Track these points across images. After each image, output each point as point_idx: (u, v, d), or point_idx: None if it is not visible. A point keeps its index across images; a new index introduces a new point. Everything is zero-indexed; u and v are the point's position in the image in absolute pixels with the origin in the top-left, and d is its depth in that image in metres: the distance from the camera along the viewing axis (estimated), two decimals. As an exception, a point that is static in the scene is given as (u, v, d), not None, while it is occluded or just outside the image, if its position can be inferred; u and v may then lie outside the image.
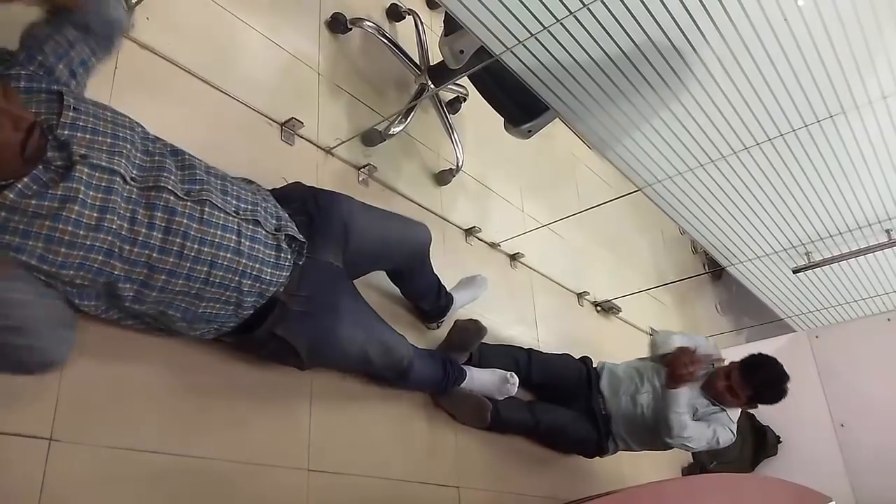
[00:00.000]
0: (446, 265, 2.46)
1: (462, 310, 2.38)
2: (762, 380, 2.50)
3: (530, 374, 2.48)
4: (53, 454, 1.29)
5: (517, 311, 2.87)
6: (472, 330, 2.17)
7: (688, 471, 3.68)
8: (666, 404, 2.45)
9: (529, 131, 2.29)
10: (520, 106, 2.27)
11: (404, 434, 2.07)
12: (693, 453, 3.78)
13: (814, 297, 3.50)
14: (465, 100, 2.84)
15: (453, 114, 2.80)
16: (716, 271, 4.24)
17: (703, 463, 3.72)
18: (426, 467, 2.11)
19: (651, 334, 3.87)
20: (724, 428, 2.55)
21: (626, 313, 3.60)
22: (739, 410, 2.65)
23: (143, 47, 1.75)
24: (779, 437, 3.84)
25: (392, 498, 1.94)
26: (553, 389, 2.60)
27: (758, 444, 3.78)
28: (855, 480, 3.66)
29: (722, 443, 2.56)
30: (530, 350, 2.56)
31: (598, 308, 3.50)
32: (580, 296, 3.38)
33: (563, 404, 2.59)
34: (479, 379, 2.22)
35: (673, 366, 2.45)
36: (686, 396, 2.45)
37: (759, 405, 2.61)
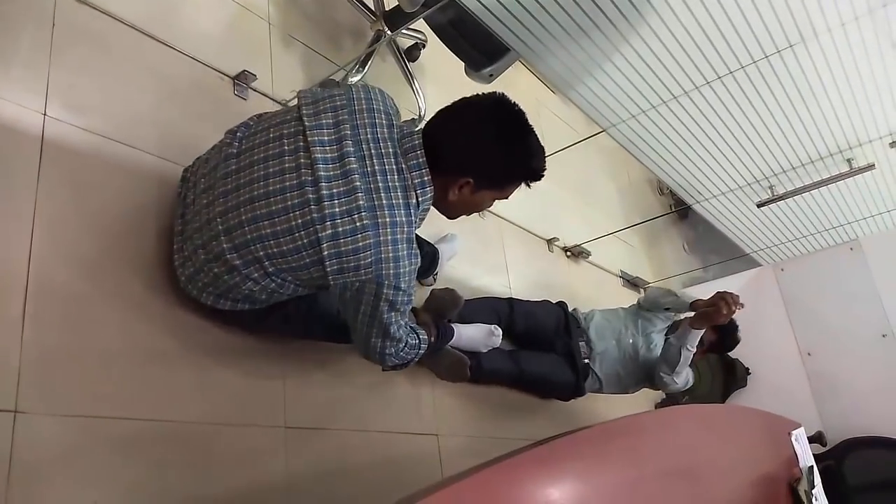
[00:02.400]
0: (414, 216, 2.44)
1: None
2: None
3: (513, 324, 2.52)
4: (20, 426, 1.26)
5: (488, 260, 2.87)
6: (448, 300, 2.16)
7: (660, 406, 3.77)
8: (683, 342, 2.53)
9: (491, 75, 2.26)
10: (480, 49, 2.23)
11: (381, 386, 2.07)
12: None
13: (778, 230, 3.56)
14: (423, 46, 2.76)
15: (412, 61, 2.73)
16: (682, 210, 4.28)
17: (676, 398, 3.82)
18: (405, 418, 2.12)
19: (620, 276, 3.93)
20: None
21: (596, 257, 3.63)
22: None
23: (80, 2, 1.65)
24: (748, 369, 3.95)
25: (371, 450, 1.95)
26: (534, 337, 2.64)
27: (728, 377, 3.89)
28: (822, 406, 3.79)
29: (690, 384, 2.72)
30: (511, 300, 2.58)
31: (568, 253, 3.52)
32: (550, 242, 3.39)
33: (543, 349, 2.65)
34: (466, 335, 2.24)
35: (716, 307, 2.47)
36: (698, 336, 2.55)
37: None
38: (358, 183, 1.30)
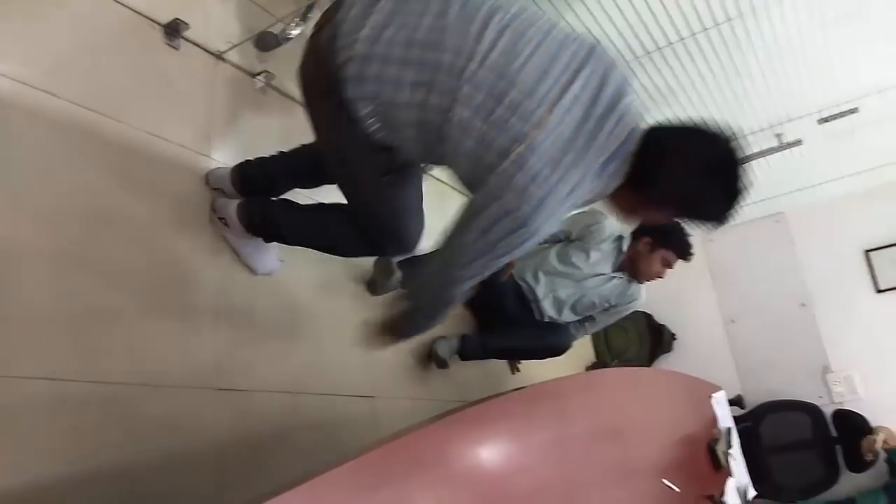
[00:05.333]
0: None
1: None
2: (679, 238, 2.67)
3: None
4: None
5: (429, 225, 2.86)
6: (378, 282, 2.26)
7: (591, 369, 3.89)
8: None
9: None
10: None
11: (316, 348, 2.06)
12: (596, 353, 4.01)
13: (709, 202, 3.66)
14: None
15: (355, 18, 2.66)
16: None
17: (605, 361, 3.95)
18: (341, 379, 2.11)
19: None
20: (641, 296, 2.80)
21: (535, 223, 3.66)
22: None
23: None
24: (674, 335, 4.11)
25: (308, 412, 1.95)
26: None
27: (654, 342, 4.03)
28: (742, 371, 3.98)
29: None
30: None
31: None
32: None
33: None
34: None
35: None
36: None
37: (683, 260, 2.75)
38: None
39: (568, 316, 2.76)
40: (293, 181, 1.84)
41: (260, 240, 1.83)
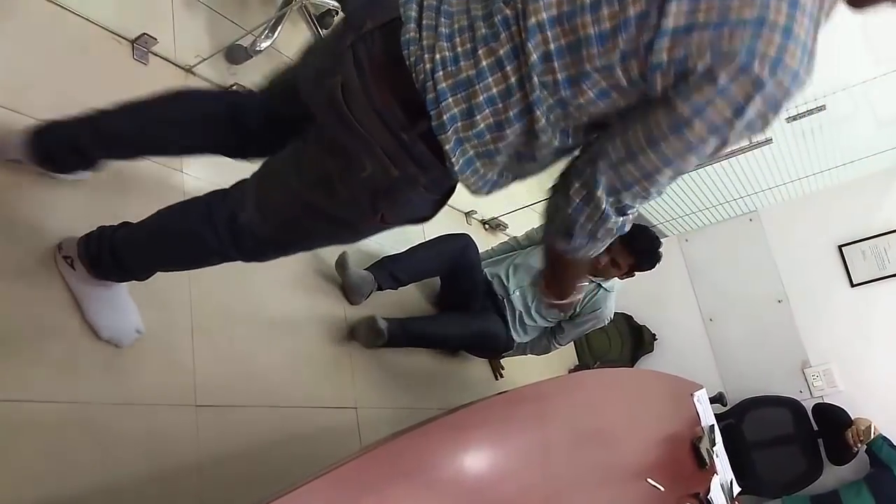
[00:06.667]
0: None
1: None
2: (646, 256, 2.63)
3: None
4: None
5: (405, 232, 2.85)
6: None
7: (574, 372, 3.91)
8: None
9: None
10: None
11: (297, 360, 2.04)
12: (578, 356, 4.02)
13: (682, 202, 3.71)
14: (337, 13, 2.69)
15: (325, 29, 2.66)
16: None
17: (588, 364, 3.96)
18: (322, 392, 2.10)
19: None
20: (607, 307, 2.72)
21: (513, 230, 3.68)
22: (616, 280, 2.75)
23: (-47, -48, 1.51)
24: (654, 335, 4.14)
25: (289, 426, 1.93)
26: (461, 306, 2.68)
27: (635, 343, 4.06)
28: (723, 369, 4.02)
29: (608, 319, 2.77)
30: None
31: (486, 226, 3.55)
32: (468, 214, 3.41)
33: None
34: None
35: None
36: None
37: (638, 272, 2.70)
38: None
39: (538, 319, 2.72)
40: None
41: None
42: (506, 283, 2.71)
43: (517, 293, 2.70)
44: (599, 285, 2.69)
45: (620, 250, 2.57)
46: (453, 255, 2.57)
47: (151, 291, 1.66)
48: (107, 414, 1.47)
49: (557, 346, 2.86)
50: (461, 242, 2.60)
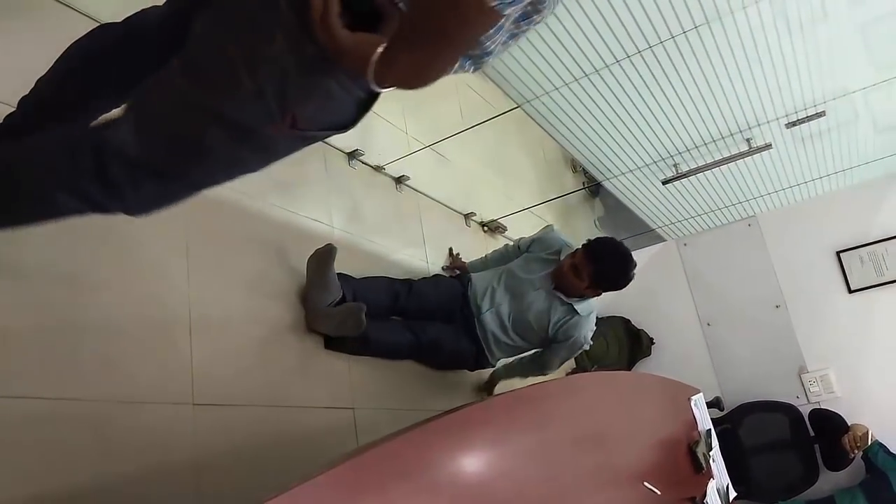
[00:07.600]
0: (330, 190, 2.40)
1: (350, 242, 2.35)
2: (607, 267, 2.47)
3: (407, 309, 2.40)
4: None
5: (405, 234, 2.86)
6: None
7: (572, 374, 3.91)
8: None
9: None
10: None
11: (295, 360, 2.04)
12: (576, 360, 4.02)
13: (682, 206, 3.72)
14: (339, 16, 2.70)
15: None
16: (593, 187, 4.41)
17: (586, 367, 3.97)
18: (320, 391, 2.10)
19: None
20: (580, 334, 2.56)
21: (512, 232, 3.68)
22: (592, 300, 2.60)
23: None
24: (652, 339, 4.14)
25: (285, 425, 1.92)
26: (432, 314, 2.52)
27: (633, 347, 4.06)
28: (720, 373, 4.03)
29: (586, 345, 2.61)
30: (410, 281, 2.47)
31: (485, 228, 3.56)
32: (467, 217, 3.42)
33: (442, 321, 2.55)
34: None
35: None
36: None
37: (606, 292, 2.56)
38: None
39: (514, 338, 2.59)
40: None
41: None
42: (479, 302, 2.57)
43: (488, 314, 2.56)
44: (573, 309, 2.53)
45: (581, 261, 2.46)
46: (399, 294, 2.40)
47: (150, 290, 1.66)
48: (104, 411, 1.47)
49: (549, 371, 2.71)
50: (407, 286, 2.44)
